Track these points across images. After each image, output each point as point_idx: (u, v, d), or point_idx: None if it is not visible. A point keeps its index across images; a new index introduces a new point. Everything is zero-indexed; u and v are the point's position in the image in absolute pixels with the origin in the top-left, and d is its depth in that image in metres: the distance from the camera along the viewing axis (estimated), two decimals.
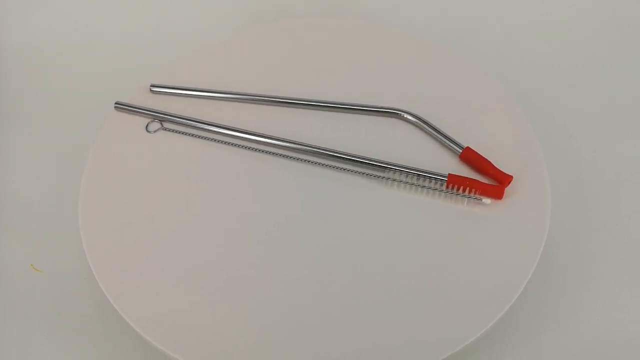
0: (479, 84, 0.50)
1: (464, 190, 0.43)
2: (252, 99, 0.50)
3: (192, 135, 0.49)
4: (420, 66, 0.52)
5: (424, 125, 0.47)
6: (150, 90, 0.51)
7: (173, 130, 0.49)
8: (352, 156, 0.46)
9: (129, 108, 0.50)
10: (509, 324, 0.42)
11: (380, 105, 0.49)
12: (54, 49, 0.63)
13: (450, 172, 0.44)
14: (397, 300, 0.39)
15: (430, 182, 0.44)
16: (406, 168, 0.45)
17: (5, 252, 0.49)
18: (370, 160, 0.45)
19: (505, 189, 0.43)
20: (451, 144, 0.46)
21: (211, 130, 0.49)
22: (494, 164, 0.44)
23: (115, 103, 0.50)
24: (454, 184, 0.43)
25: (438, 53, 0.53)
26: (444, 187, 0.44)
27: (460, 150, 0.45)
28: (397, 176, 0.45)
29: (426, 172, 0.44)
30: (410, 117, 0.48)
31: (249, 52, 0.55)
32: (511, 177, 0.43)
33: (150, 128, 0.49)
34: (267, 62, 0.54)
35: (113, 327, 0.42)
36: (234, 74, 0.52)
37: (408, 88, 0.51)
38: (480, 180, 0.43)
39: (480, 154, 0.45)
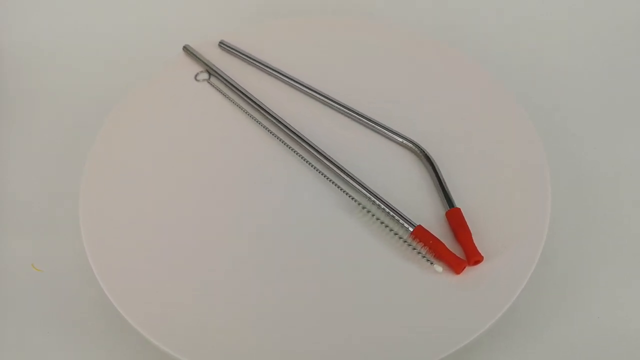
0: (491, 92, 0.50)
1: (423, 247, 0.41)
2: (298, 87, 0.51)
3: (233, 102, 0.50)
4: (436, 72, 0.52)
5: (428, 165, 0.45)
6: (219, 45, 0.55)
7: (216, 88, 0.51)
8: (341, 170, 0.45)
9: (197, 55, 0.53)
10: (509, 322, 0.42)
11: (395, 129, 0.47)
12: (53, 48, 0.63)
13: (421, 224, 0.41)
14: (394, 300, 0.40)
15: (396, 225, 0.42)
16: (382, 202, 0.43)
17: (6, 252, 0.49)
18: (354, 180, 0.44)
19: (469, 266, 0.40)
20: (444, 198, 0.43)
21: (247, 100, 0.50)
22: (472, 234, 0.41)
23: (184, 46, 0.54)
24: (418, 237, 0.41)
25: (446, 53, 0.53)
26: (406, 236, 0.41)
27: (449, 208, 0.42)
28: (369, 205, 0.43)
29: (399, 214, 0.42)
30: (419, 152, 0.46)
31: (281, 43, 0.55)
32: (481, 258, 0.40)
33: (199, 77, 0.53)
34: (296, 54, 0.54)
35: (114, 325, 0.42)
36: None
37: (421, 100, 0.50)
38: (448, 247, 0.40)
39: (467, 222, 0.41)
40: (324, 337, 0.38)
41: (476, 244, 0.40)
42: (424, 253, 0.40)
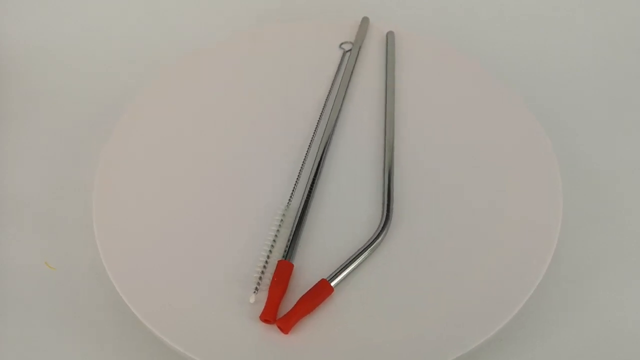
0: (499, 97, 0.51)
1: (271, 279, 0.39)
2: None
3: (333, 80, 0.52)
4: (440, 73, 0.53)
5: (381, 230, 0.43)
6: (386, 35, 0.56)
7: (342, 63, 0.53)
8: (310, 176, 0.45)
9: (362, 28, 0.56)
10: (520, 321, 0.41)
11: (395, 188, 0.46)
12: (58, 47, 0.63)
13: (294, 265, 0.41)
14: (401, 297, 0.40)
15: (282, 248, 0.41)
16: (299, 220, 0.42)
17: (18, 249, 0.48)
18: (310, 187, 0.44)
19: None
20: (348, 267, 0.40)
21: None
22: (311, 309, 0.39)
23: (363, 18, 0.56)
24: (278, 269, 0.40)
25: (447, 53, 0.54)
26: (272, 259, 0.41)
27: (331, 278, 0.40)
28: (289, 215, 0.43)
29: (292, 242, 0.41)
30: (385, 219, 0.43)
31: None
32: (287, 333, 0.38)
33: (344, 46, 0.55)
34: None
35: (126, 324, 0.42)
36: None
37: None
38: (280, 298, 0.39)
39: (324, 294, 0.39)
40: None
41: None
42: (260, 281, 0.40)
